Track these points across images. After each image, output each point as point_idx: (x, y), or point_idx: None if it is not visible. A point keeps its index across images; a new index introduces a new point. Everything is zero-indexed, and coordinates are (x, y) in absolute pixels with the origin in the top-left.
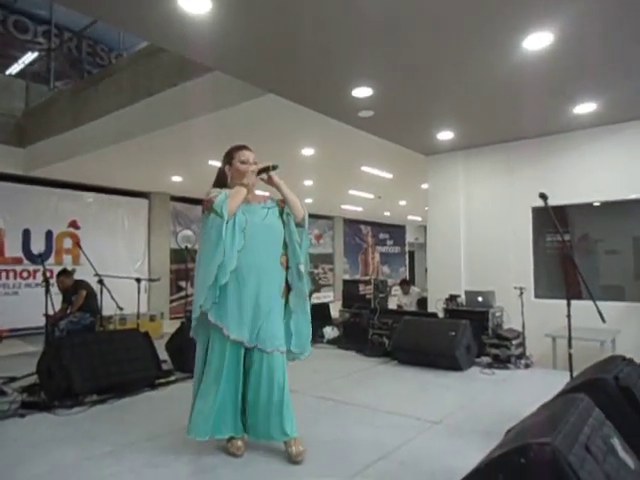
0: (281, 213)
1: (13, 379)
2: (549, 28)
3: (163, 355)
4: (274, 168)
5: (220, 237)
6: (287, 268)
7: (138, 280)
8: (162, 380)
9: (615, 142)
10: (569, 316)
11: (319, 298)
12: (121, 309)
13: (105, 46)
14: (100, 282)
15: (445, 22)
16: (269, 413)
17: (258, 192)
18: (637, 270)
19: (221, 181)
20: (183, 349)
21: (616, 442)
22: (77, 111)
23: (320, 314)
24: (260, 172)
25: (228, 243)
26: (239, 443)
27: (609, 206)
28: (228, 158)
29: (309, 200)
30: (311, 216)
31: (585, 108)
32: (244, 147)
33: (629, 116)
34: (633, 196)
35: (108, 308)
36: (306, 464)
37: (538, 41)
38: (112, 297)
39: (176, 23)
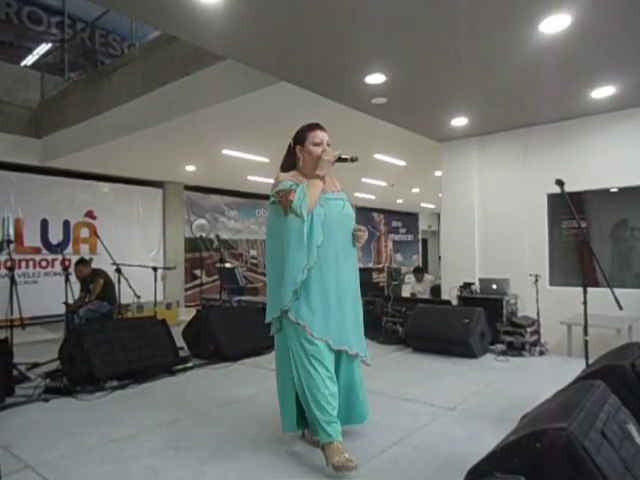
0: None
1: (36, 365)
2: (567, 10)
3: (180, 342)
4: (353, 160)
5: (302, 239)
6: None
7: (155, 269)
8: (180, 366)
9: (634, 126)
10: (585, 303)
11: None
12: (138, 297)
13: (117, 36)
14: (118, 271)
15: (459, 6)
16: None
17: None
18: None
19: (290, 163)
20: (199, 336)
21: (632, 428)
22: (91, 102)
23: None
24: (338, 161)
25: (309, 241)
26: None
27: (629, 191)
28: (300, 138)
29: None
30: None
31: (603, 92)
32: (317, 126)
33: None
34: None
35: (125, 296)
36: None
37: (555, 24)
38: (130, 285)
39: (188, 11)
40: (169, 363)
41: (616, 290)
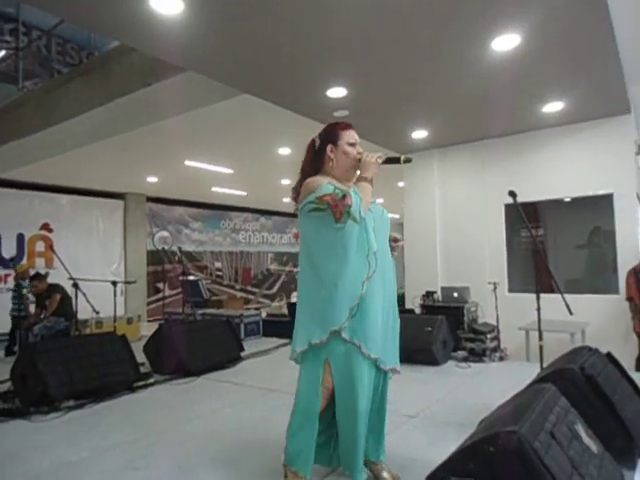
0: None
1: None
2: (515, 30)
3: (141, 358)
4: (407, 161)
5: (363, 247)
6: None
7: (114, 283)
8: (140, 383)
9: (581, 139)
10: (538, 309)
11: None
12: (97, 313)
13: (75, 45)
14: (75, 286)
15: (416, 24)
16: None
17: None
18: (604, 263)
19: (317, 164)
20: (161, 351)
21: (580, 428)
22: (48, 111)
23: None
24: (386, 162)
25: (369, 248)
26: None
27: (579, 201)
28: (331, 137)
29: (287, 199)
30: (290, 215)
31: (553, 107)
32: (350, 126)
33: (594, 114)
34: (601, 192)
35: (83, 312)
36: None
37: (506, 42)
38: (87, 300)
39: (147, 23)
40: (129, 380)
41: (586, 296)
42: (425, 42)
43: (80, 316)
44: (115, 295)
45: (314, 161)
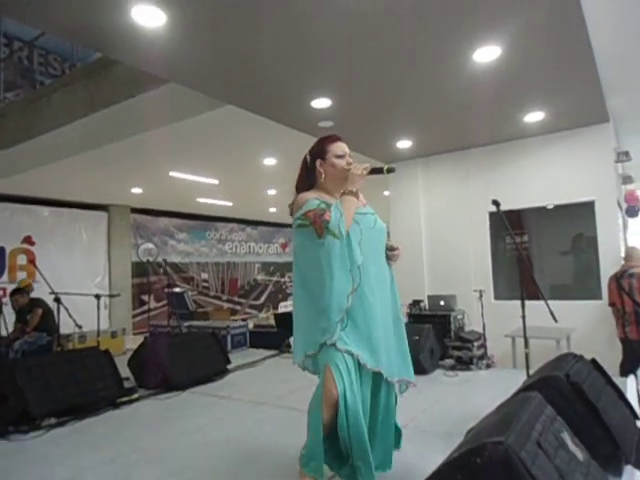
0: None
1: None
2: (496, 42)
3: (126, 372)
4: (390, 171)
5: (344, 261)
6: None
7: (97, 296)
8: (125, 398)
9: (562, 148)
10: (524, 317)
11: (286, 307)
12: (80, 327)
13: (58, 56)
14: (57, 300)
15: (398, 36)
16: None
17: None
18: (588, 269)
19: (308, 180)
20: (146, 365)
21: (566, 436)
22: (30, 123)
23: (288, 323)
24: (371, 173)
25: (350, 262)
26: None
27: (562, 208)
28: (319, 152)
29: (273, 209)
30: (277, 225)
31: (534, 117)
32: (338, 138)
33: (574, 124)
34: (582, 199)
35: (66, 326)
36: (274, 476)
37: (487, 54)
38: (70, 315)
39: (130, 36)
40: (112, 395)
41: (571, 302)
42: (408, 53)
43: (63, 331)
44: (98, 309)
45: (306, 177)
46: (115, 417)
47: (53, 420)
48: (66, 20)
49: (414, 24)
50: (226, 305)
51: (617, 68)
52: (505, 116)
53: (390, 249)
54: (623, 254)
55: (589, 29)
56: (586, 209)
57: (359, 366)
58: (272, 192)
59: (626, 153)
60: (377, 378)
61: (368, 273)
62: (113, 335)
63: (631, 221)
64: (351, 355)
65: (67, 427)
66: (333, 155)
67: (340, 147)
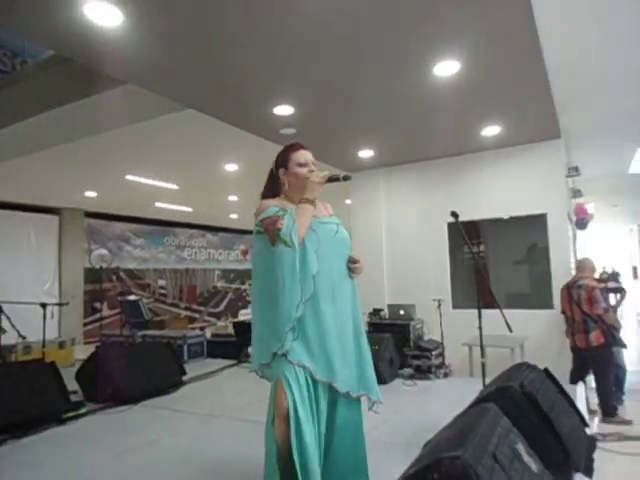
0: None
1: None
2: (454, 57)
3: (74, 385)
4: (346, 179)
5: (294, 270)
6: None
7: (43, 305)
8: (70, 414)
9: (517, 162)
10: (480, 327)
11: (246, 315)
12: (23, 337)
13: (8, 51)
14: None
15: (361, 47)
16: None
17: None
18: (541, 279)
19: (274, 188)
20: (95, 378)
21: (521, 448)
22: None
23: (247, 332)
24: (329, 181)
25: (303, 271)
26: None
27: (517, 219)
28: (282, 161)
29: (234, 216)
30: (237, 231)
31: (491, 131)
32: (301, 146)
33: (527, 139)
34: (535, 212)
35: (9, 337)
36: None
37: (447, 69)
38: (12, 325)
39: (83, 34)
40: (57, 411)
41: (525, 311)
42: (369, 65)
43: (5, 341)
44: (45, 318)
45: (271, 186)
46: (60, 434)
47: None
48: (12, 14)
49: (376, 37)
50: (184, 313)
51: (569, 87)
52: (464, 129)
53: (351, 262)
54: (573, 265)
55: (543, 48)
56: (539, 221)
57: (313, 380)
58: (233, 198)
59: (576, 168)
60: (335, 393)
61: (325, 283)
62: (61, 345)
63: (579, 233)
64: (302, 367)
65: (6, 446)
66: (295, 164)
67: (302, 155)
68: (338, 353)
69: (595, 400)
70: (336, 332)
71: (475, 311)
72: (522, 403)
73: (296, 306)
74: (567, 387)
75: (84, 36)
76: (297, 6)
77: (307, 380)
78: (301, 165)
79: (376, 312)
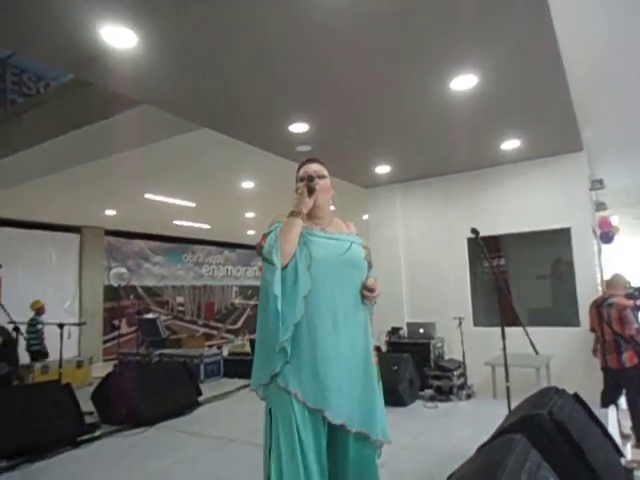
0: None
1: None
2: (472, 71)
3: (90, 406)
4: (311, 180)
5: (275, 292)
6: None
7: (60, 325)
8: (85, 436)
9: (538, 176)
10: (504, 348)
11: None
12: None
13: (32, 75)
14: (16, 329)
15: (377, 63)
16: None
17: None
18: (566, 294)
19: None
20: (111, 399)
21: None
22: (1, 142)
23: None
24: (310, 193)
25: (288, 289)
26: None
27: (539, 233)
28: (296, 178)
29: (252, 232)
30: (255, 248)
31: (510, 144)
32: (307, 161)
33: (548, 152)
34: (556, 226)
35: (27, 356)
36: None
37: (464, 83)
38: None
39: (101, 57)
40: (72, 434)
41: (549, 329)
42: (386, 81)
43: (23, 361)
44: (62, 338)
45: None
46: (73, 458)
47: (4, 463)
48: (34, 40)
49: (391, 52)
50: (202, 330)
51: (591, 99)
52: (482, 143)
53: (366, 289)
54: (599, 280)
55: (564, 60)
56: (562, 235)
57: (310, 411)
58: (250, 215)
59: (600, 181)
60: (335, 429)
61: (324, 306)
62: (79, 365)
63: (604, 247)
64: (288, 392)
65: (19, 470)
66: (298, 179)
67: (304, 170)
68: (335, 382)
69: (628, 423)
70: (336, 360)
71: (496, 329)
72: (552, 432)
73: (281, 328)
74: (598, 411)
75: (101, 59)
76: (312, 24)
77: (302, 411)
78: (301, 180)
79: (395, 331)
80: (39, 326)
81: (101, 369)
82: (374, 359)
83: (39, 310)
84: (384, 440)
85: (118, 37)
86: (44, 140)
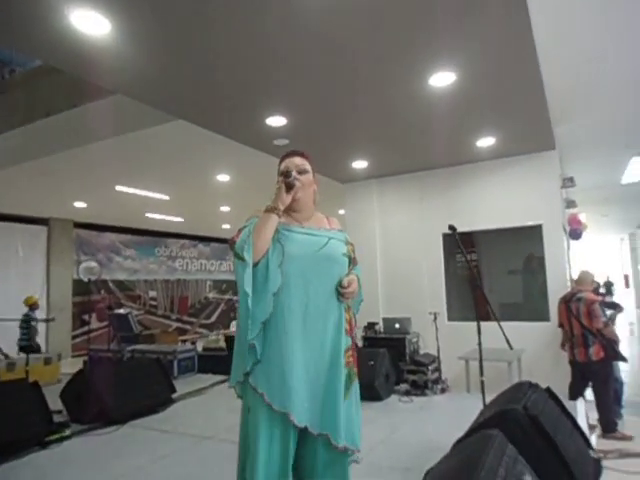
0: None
1: None
2: (450, 68)
3: (58, 404)
4: (288, 175)
5: (249, 287)
6: None
7: (26, 322)
8: (54, 436)
9: (511, 173)
10: (480, 344)
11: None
12: (6, 356)
13: None
14: None
15: (356, 58)
16: None
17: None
18: (536, 290)
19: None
20: (82, 397)
21: (528, 479)
22: None
23: None
24: (289, 189)
25: (259, 286)
26: None
27: (511, 229)
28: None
29: (227, 226)
30: (229, 242)
31: (486, 142)
32: (291, 153)
33: (522, 150)
34: (529, 223)
35: None
36: None
37: (442, 79)
38: None
39: (70, 43)
40: (39, 434)
41: (522, 323)
42: (364, 76)
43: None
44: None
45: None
46: (40, 459)
47: None
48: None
49: (371, 47)
50: (175, 324)
51: (564, 98)
52: (459, 140)
53: (340, 285)
54: (569, 276)
55: (540, 60)
56: (534, 231)
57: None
58: (226, 208)
59: (571, 179)
60: (305, 432)
61: (295, 302)
62: (46, 362)
63: (573, 243)
64: (257, 394)
65: None
66: (279, 173)
67: (285, 164)
68: (300, 382)
69: (594, 415)
70: (304, 359)
71: (470, 324)
72: (526, 426)
73: (250, 325)
74: (567, 403)
75: (71, 45)
76: (291, 17)
77: (269, 409)
78: (281, 174)
79: (371, 326)
80: (32, 322)
81: (70, 365)
82: (349, 359)
83: (33, 305)
84: (350, 446)
85: (89, 22)
86: (9, 128)
